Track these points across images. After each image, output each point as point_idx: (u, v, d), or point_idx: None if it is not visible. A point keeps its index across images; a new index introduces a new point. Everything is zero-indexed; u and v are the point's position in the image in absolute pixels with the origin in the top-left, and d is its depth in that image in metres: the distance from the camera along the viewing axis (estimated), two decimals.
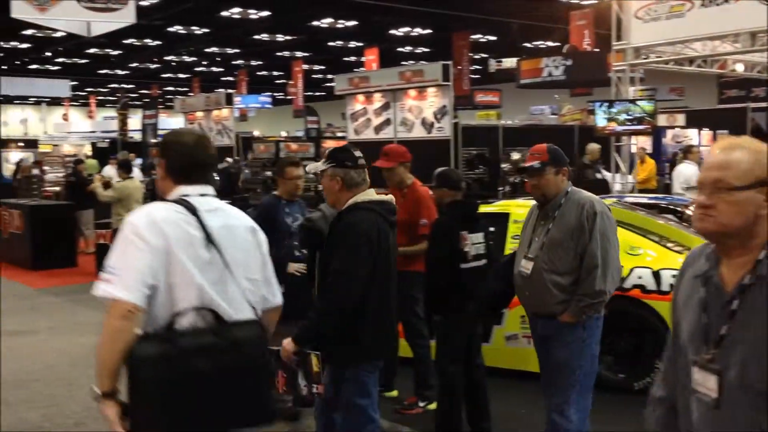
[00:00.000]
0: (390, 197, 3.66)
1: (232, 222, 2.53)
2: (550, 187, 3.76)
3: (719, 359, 1.69)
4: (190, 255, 2.36)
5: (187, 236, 2.37)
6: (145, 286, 2.29)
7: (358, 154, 3.48)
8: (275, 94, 37.92)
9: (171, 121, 33.47)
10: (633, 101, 11.55)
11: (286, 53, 29.73)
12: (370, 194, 3.45)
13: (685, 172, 11.32)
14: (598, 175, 11.41)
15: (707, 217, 1.73)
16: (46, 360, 6.46)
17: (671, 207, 7.53)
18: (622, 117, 11.20)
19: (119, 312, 2.26)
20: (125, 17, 12.45)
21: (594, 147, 11.44)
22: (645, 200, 8.10)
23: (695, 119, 15.93)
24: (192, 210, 2.42)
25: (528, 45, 25.90)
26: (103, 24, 12.55)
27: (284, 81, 34.18)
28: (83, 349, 6.49)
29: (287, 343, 3.34)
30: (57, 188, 17.89)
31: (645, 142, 13.57)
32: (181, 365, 2.27)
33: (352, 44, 27.61)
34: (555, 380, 3.76)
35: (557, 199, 3.76)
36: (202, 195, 2.50)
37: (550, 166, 3.75)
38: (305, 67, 29.54)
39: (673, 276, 5.18)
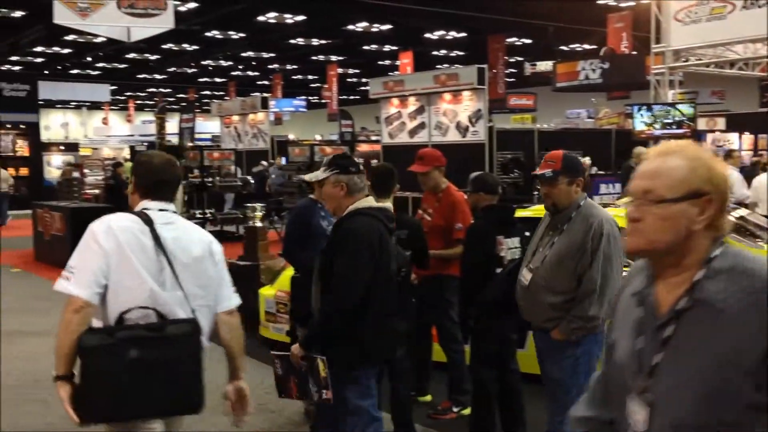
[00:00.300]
0: (389, 205, 3.69)
1: (185, 234, 2.83)
2: (562, 197, 3.60)
3: (652, 390, 1.53)
4: (141, 260, 2.67)
5: (139, 244, 2.69)
6: (97, 285, 2.62)
7: (356, 160, 3.56)
8: (310, 98, 38.18)
9: (208, 125, 33.96)
10: (672, 105, 11.37)
11: (321, 57, 29.91)
12: (370, 201, 3.50)
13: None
14: None
15: (635, 231, 1.56)
16: None
17: None
18: (661, 121, 11.03)
19: (72, 306, 2.60)
20: (164, 22, 12.66)
21: (641, 150, 11.38)
22: None
23: (736, 123, 15.64)
24: (148, 221, 2.74)
25: (564, 48, 25.68)
26: (142, 29, 12.77)
27: (319, 85, 34.38)
28: None
29: (295, 347, 3.37)
30: (96, 191, 18.23)
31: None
32: (118, 355, 2.58)
33: (387, 48, 27.66)
34: (552, 397, 3.69)
35: (568, 211, 3.60)
36: (161, 210, 2.82)
37: (563, 175, 3.57)
38: (340, 71, 29.68)
39: None
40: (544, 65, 23.37)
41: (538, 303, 3.62)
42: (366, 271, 3.31)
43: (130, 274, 2.65)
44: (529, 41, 26.00)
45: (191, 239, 2.84)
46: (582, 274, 3.50)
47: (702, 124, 16.24)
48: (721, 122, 17.91)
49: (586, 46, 25.46)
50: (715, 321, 1.47)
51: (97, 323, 2.67)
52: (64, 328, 2.60)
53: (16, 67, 31.21)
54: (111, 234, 2.68)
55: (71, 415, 2.60)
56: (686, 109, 11.26)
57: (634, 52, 17.13)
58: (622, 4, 19.71)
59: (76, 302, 2.60)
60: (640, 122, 11.24)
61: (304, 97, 35.08)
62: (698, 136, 13.42)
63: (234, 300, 2.98)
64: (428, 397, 5.38)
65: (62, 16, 12.00)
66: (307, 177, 3.62)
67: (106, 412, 2.63)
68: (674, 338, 1.52)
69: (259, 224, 8.14)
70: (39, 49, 27.52)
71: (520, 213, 5.34)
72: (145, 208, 2.81)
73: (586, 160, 13.26)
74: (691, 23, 11.37)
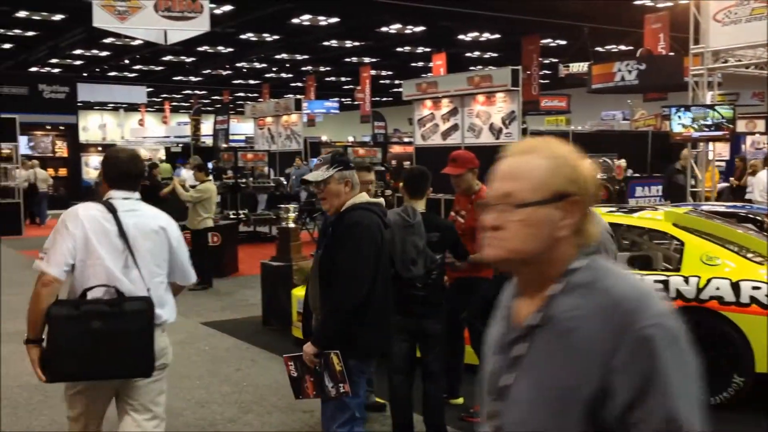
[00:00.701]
0: (381, 200, 3.71)
1: (145, 220, 3.24)
2: None
3: (501, 415, 1.38)
4: (103, 244, 3.11)
5: (103, 229, 3.13)
6: (65, 264, 3.08)
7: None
8: (343, 99, 38.31)
9: (242, 126, 34.27)
10: (711, 107, 11.17)
11: (354, 59, 29.99)
12: (365, 197, 3.54)
13: (765, 179, 10.91)
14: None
15: (494, 240, 1.38)
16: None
17: (751, 216, 7.24)
18: (699, 123, 10.84)
19: (43, 281, 3.06)
20: (200, 25, 12.80)
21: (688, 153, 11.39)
22: (723, 209, 7.82)
23: None
24: (112, 210, 3.17)
25: (600, 49, 25.39)
26: (179, 32, 12.92)
27: (352, 87, 34.47)
28: None
29: (307, 346, 3.37)
30: None
31: (723, 149, 13.12)
32: (81, 325, 3.04)
33: (420, 50, 27.64)
34: None
35: None
36: (126, 198, 3.24)
37: None
38: (373, 72, 29.71)
39: (754, 288, 4.99)
40: (578, 66, 23.13)
41: None
42: (371, 264, 3.33)
43: (93, 255, 3.10)
44: (563, 42, 25.75)
45: (151, 224, 3.25)
46: None
47: (741, 126, 15.93)
48: (761, 124, 17.57)
49: (622, 47, 25.14)
50: (563, 342, 1.31)
51: (64, 296, 3.15)
52: (35, 299, 3.06)
53: (56, 70, 31.82)
54: (78, 221, 3.12)
55: (38, 374, 3.07)
56: (725, 111, 11.05)
57: (672, 53, 16.87)
58: (660, 5, 19.43)
59: (46, 278, 3.06)
60: (677, 124, 11.06)
61: (336, 99, 35.19)
62: (737, 138, 13.17)
63: (189, 279, 3.44)
64: (460, 400, 5.36)
65: (101, 19, 12.21)
66: (311, 176, 3.56)
67: (69, 373, 3.12)
68: (525, 358, 1.36)
69: (292, 225, 8.18)
70: (78, 51, 28.03)
71: None
72: (110, 198, 3.24)
73: (622, 163, 13.12)
74: (731, 24, 11.15)
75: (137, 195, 3.30)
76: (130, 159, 3.34)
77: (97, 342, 3.03)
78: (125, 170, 3.28)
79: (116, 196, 3.24)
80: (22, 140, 20.49)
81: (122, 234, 3.12)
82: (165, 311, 3.25)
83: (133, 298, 3.11)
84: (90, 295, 3.09)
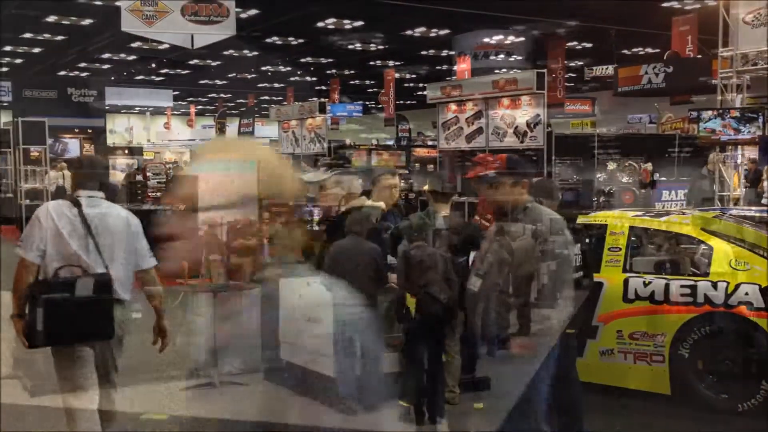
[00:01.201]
0: (381, 204, 3.81)
1: (106, 212, 3.89)
2: (506, 199, 3.61)
3: None
4: (69, 233, 3.77)
5: (69, 221, 3.79)
6: (38, 250, 3.76)
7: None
8: (367, 102, 38.35)
9: (266, 129, 34.46)
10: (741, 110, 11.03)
11: (379, 62, 30.02)
12: (363, 200, 3.64)
13: None
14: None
15: (171, 251, 1.32)
16: (140, 358, 6.71)
17: None
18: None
19: (21, 265, 3.76)
20: (226, 29, 12.88)
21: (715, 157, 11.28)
22: (751, 213, 7.70)
23: None
24: (77, 204, 3.82)
25: (626, 52, 25.17)
26: (205, 36, 13.02)
27: (376, 90, 34.50)
28: (174, 349, 6.67)
29: None
30: (158, 193, 18.67)
31: (752, 152, 12.93)
32: (54, 299, 3.64)
33: (444, 53, 27.58)
34: (523, 413, 3.52)
35: (514, 213, 3.58)
36: (90, 196, 3.90)
37: (506, 177, 3.59)
38: (397, 75, 29.71)
39: None
40: (600, 70, 22.96)
41: (489, 308, 3.52)
42: None
43: (61, 242, 3.74)
44: (589, 45, 25.55)
45: (112, 216, 3.89)
46: (531, 276, 3.44)
47: None
48: None
49: (649, 50, 24.87)
50: None
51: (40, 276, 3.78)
52: (15, 279, 3.74)
53: (84, 74, 32.24)
54: (48, 215, 3.79)
55: (23, 341, 3.67)
56: None
57: (699, 56, 16.68)
58: (688, 7, 19.20)
59: (24, 262, 3.75)
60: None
61: (360, 102, 35.23)
62: (765, 142, 12.97)
63: (148, 262, 3.96)
64: (481, 405, 5.34)
65: (129, 24, 12.34)
66: (307, 177, 3.73)
67: (47, 340, 3.69)
68: None
69: (316, 228, 8.20)
70: (106, 55, 28.37)
71: (580, 220, 5.26)
72: (78, 196, 3.89)
73: (648, 166, 12.98)
74: (761, 26, 11.00)
75: (101, 194, 3.96)
76: (92, 163, 4.14)
77: (67, 312, 3.67)
78: (89, 173, 3.99)
79: (83, 194, 3.90)
80: None
81: (85, 224, 3.76)
82: (123, 289, 3.85)
83: (95, 275, 3.73)
84: (60, 275, 3.71)
